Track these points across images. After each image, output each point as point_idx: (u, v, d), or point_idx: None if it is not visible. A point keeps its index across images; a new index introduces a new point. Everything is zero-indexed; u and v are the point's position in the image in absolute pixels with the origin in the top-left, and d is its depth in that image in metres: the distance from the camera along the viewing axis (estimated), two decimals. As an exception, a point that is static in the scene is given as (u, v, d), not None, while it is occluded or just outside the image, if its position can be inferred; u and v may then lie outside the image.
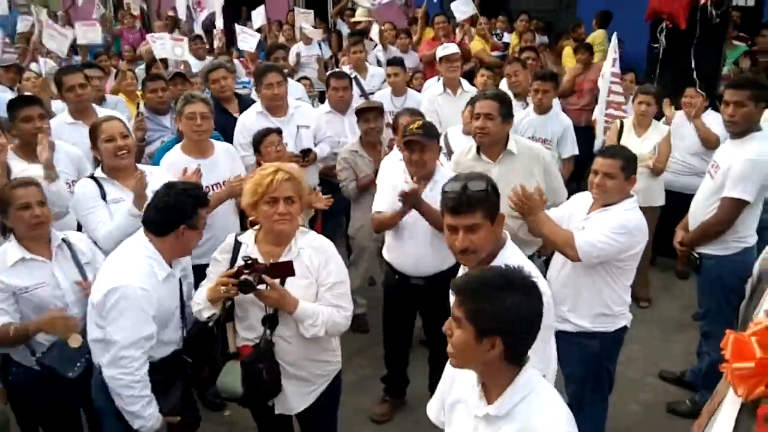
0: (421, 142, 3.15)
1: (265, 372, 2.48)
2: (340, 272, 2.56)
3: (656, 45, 5.24)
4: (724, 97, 3.31)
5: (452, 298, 1.68)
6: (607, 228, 2.74)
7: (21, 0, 11.46)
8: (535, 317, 1.64)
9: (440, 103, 4.97)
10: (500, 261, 2.13)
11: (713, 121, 4.76)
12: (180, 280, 2.68)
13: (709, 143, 4.74)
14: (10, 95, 5.03)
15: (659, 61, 5.30)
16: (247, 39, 7.07)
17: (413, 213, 3.24)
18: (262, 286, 2.39)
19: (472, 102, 3.60)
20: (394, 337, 3.71)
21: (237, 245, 2.56)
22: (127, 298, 2.39)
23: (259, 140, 3.83)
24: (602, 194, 2.83)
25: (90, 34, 7.51)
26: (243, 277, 2.36)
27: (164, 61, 6.72)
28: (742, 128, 3.26)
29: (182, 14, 8.77)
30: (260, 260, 2.44)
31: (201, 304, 2.53)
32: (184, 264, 2.79)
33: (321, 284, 2.51)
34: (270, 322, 2.48)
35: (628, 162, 2.81)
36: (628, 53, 7.25)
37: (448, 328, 1.68)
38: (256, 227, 2.58)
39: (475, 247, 2.12)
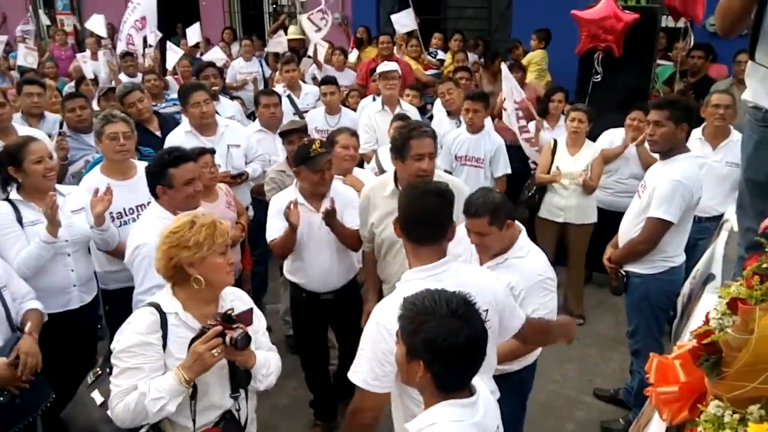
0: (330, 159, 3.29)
1: None
2: (262, 317, 2.40)
3: (597, 75, 5.37)
4: (649, 116, 3.37)
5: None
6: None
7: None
8: (466, 348, 1.56)
9: (378, 121, 4.95)
10: (510, 255, 2.63)
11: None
12: None
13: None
14: None
15: (591, 84, 5.42)
16: (173, 57, 6.96)
17: (318, 233, 3.30)
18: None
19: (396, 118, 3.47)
20: (311, 356, 3.63)
21: (164, 319, 2.12)
22: (148, 255, 2.58)
23: None
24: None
25: (29, 57, 7.81)
26: (241, 332, 2.04)
27: (95, 79, 6.50)
28: (662, 148, 3.32)
29: (102, 32, 8.37)
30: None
31: (165, 395, 2.03)
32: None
33: (255, 331, 2.26)
34: (244, 380, 2.19)
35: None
36: (559, 72, 7.46)
37: (396, 342, 1.71)
38: (167, 291, 2.20)
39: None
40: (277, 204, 3.39)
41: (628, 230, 3.49)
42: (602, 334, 4.83)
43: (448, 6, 9.60)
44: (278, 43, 7.82)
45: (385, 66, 5.28)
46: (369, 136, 4.94)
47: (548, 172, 4.79)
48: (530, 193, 4.93)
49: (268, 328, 2.50)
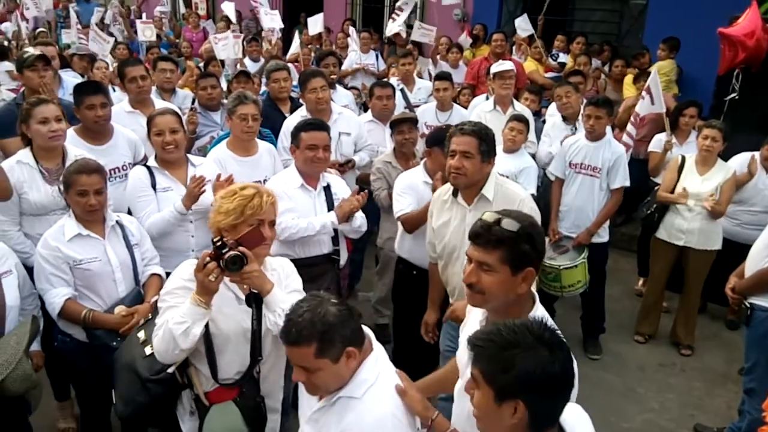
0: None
1: (262, 405, 2.37)
2: (299, 284, 2.44)
3: (733, 94, 4.98)
4: None
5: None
6: None
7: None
8: (561, 377, 1.43)
9: (488, 120, 4.82)
10: (343, 393, 1.82)
11: None
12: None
13: None
14: (76, 81, 5.19)
15: (730, 104, 5.01)
16: (296, 45, 7.25)
17: None
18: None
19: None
20: (410, 335, 3.56)
21: None
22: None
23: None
24: None
25: (147, 31, 8.20)
26: (230, 253, 2.11)
27: (221, 61, 6.88)
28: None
29: (232, 16, 8.93)
30: (234, 288, 2.28)
31: (186, 319, 2.13)
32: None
33: (286, 286, 2.38)
34: (255, 300, 2.25)
35: None
36: (693, 85, 6.96)
37: (470, 387, 1.51)
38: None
39: (483, 287, 1.86)
40: (405, 181, 3.58)
41: (758, 260, 3.19)
42: (711, 368, 4.49)
43: (576, 7, 9.23)
44: (395, 27, 7.98)
45: (500, 66, 5.15)
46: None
47: (672, 191, 4.47)
48: (649, 211, 4.62)
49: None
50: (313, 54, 7.43)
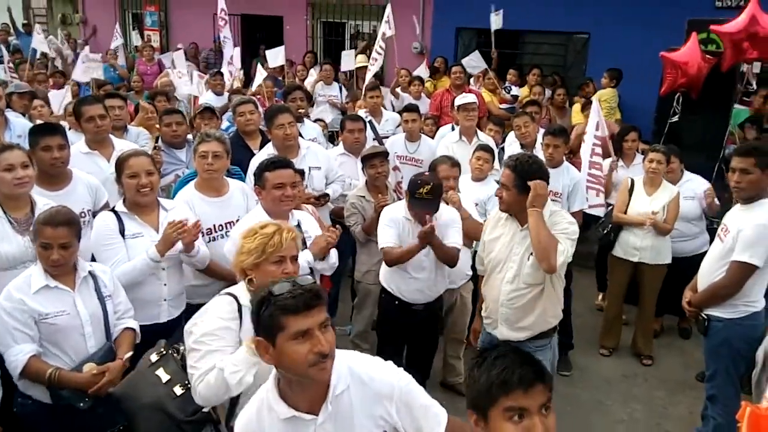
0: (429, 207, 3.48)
1: None
2: None
3: (675, 116, 5.41)
4: (731, 163, 3.38)
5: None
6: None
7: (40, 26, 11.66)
8: None
9: (455, 150, 5.08)
10: None
11: (696, 185, 4.94)
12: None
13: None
14: (23, 121, 5.07)
15: (671, 126, 5.45)
16: (259, 78, 7.27)
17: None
18: None
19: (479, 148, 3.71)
20: (390, 356, 3.67)
21: (240, 308, 2.33)
22: None
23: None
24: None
25: (88, 73, 7.58)
26: None
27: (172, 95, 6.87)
28: (749, 194, 3.33)
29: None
30: None
31: (242, 369, 2.12)
32: None
33: None
34: None
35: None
36: (634, 111, 7.46)
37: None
38: (243, 284, 2.40)
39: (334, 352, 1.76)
40: (388, 215, 3.71)
41: (710, 274, 3.49)
42: (670, 376, 4.78)
43: (525, 41, 9.73)
44: (348, 61, 8.23)
45: (464, 98, 5.44)
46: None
47: (625, 211, 4.81)
48: (605, 231, 4.95)
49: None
50: (275, 88, 7.55)
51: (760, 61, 4.97)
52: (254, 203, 3.78)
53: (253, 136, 4.91)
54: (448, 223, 3.65)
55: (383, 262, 3.77)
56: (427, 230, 3.44)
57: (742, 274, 3.31)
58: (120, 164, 3.21)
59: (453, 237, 3.64)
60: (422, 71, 8.29)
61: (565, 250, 3.04)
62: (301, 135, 4.74)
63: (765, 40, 4.91)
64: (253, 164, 4.27)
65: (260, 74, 7.30)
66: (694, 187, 4.95)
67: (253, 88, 7.53)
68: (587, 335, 5.21)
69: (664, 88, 5.51)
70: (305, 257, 3.12)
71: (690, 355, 4.97)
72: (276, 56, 8.25)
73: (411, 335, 3.90)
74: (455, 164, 4.13)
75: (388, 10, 7.68)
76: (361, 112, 6.02)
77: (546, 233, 3.01)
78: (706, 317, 3.50)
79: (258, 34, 11.72)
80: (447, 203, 3.82)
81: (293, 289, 1.70)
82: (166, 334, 3.06)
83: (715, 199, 4.94)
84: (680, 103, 5.45)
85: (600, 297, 5.72)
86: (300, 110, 5.51)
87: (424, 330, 3.90)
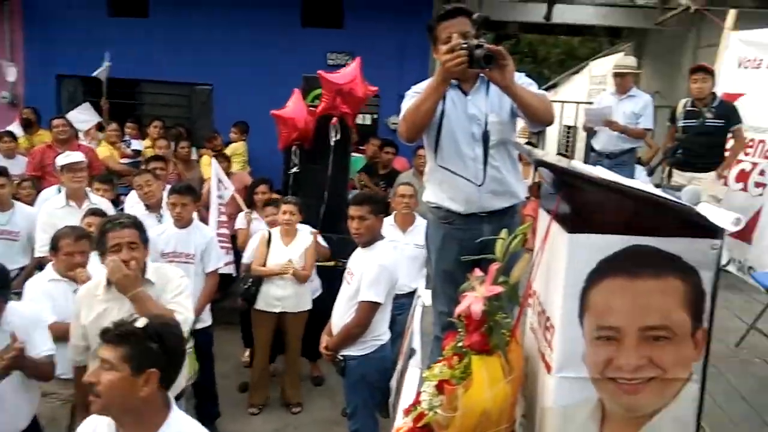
0: None
1: None
2: None
3: (295, 167, 5.67)
4: (350, 212, 3.62)
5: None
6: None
7: None
8: None
9: (61, 217, 4.31)
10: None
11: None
12: None
13: None
14: None
15: (294, 177, 5.72)
16: None
17: None
18: None
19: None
20: None
21: None
22: None
23: None
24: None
25: None
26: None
27: None
28: (367, 238, 3.61)
29: None
30: None
31: None
32: None
33: None
34: None
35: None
36: (264, 162, 7.72)
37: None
38: None
39: (100, 389, 1.78)
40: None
41: (342, 316, 3.65)
42: (320, 419, 4.89)
43: (142, 91, 9.22)
44: None
45: (68, 157, 4.64)
46: (48, 236, 4.11)
47: (264, 264, 4.80)
48: (246, 286, 4.84)
49: None
50: None
51: (345, 116, 5.59)
52: None
53: None
54: (27, 324, 2.82)
55: None
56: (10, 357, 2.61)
57: (369, 312, 3.55)
58: None
59: (41, 339, 2.86)
60: (15, 127, 7.06)
61: (187, 318, 2.88)
62: None
63: (356, 99, 5.55)
64: None
65: None
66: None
67: None
68: (236, 396, 5.03)
69: (280, 144, 5.81)
70: None
71: (336, 393, 5.17)
72: None
73: None
74: (79, 237, 3.47)
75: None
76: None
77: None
78: (342, 357, 3.64)
79: None
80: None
81: None
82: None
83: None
84: (298, 155, 5.77)
85: (247, 353, 5.59)
86: None
87: None
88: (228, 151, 7.28)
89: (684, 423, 1.74)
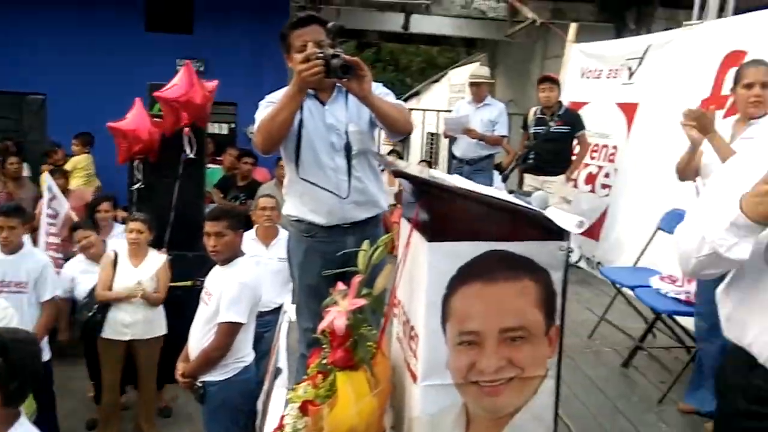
0: None
1: None
2: None
3: (139, 183, 5.24)
4: (205, 228, 3.42)
5: None
6: None
7: None
8: None
9: None
10: None
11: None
12: None
13: None
14: None
15: (138, 193, 5.29)
16: None
17: None
18: None
19: None
20: None
21: None
22: None
23: None
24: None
25: None
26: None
27: None
28: (226, 255, 3.43)
29: None
30: None
31: None
32: None
33: None
34: None
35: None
36: (112, 176, 7.11)
37: None
38: None
39: None
40: None
41: (200, 339, 3.43)
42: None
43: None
44: None
45: None
46: None
47: (110, 288, 4.38)
48: (90, 313, 4.38)
49: None
50: None
51: (192, 126, 5.26)
52: None
53: None
54: None
55: None
56: None
57: (229, 333, 3.35)
58: None
59: None
60: None
61: None
62: None
63: (197, 106, 5.18)
64: None
65: None
66: None
67: None
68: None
69: (120, 157, 5.31)
70: None
71: (196, 421, 4.85)
72: None
73: None
74: None
75: None
76: None
77: None
78: (201, 384, 3.42)
79: None
80: None
81: None
82: None
83: None
84: (141, 169, 5.33)
85: (92, 386, 5.06)
86: None
87: None
88: (69, 165, 6.67)
89: (542, 418, 1.81)
